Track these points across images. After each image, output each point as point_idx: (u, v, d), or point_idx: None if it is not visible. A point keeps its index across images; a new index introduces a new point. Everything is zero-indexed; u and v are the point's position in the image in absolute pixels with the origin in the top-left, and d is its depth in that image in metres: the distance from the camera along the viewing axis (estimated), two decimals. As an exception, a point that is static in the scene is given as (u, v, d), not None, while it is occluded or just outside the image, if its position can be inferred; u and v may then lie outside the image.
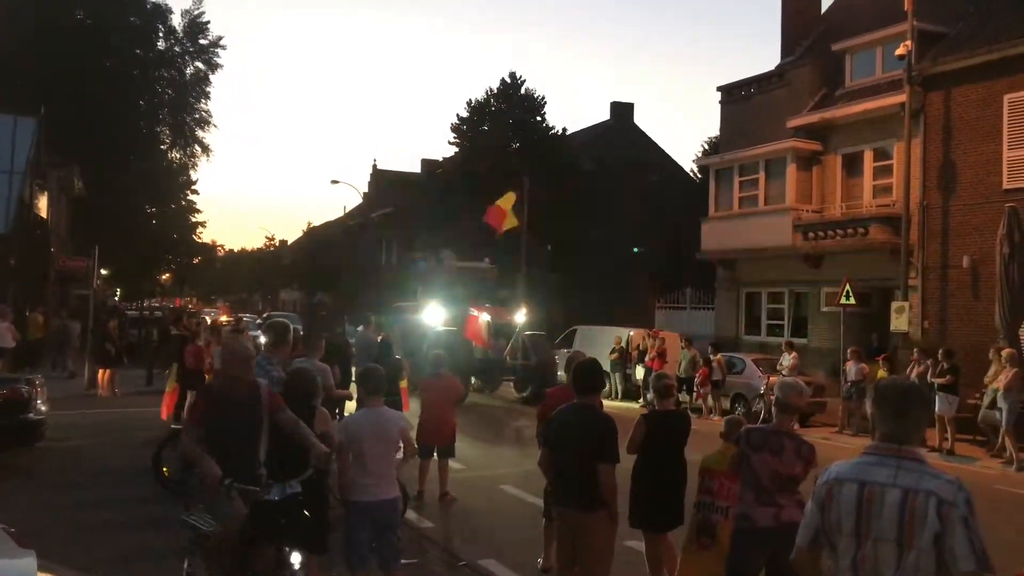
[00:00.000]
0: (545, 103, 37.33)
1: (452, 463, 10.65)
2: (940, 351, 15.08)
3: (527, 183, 27.30)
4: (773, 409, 5.33)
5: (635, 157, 37.97)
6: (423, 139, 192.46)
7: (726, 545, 5.34)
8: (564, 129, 38.40)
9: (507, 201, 21.36)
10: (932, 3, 20.80)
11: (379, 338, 15.57)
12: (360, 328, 18.43)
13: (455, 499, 9.68)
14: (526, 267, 27.70)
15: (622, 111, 42.83)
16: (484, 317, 20.92)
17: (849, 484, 2.92)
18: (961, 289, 18.26)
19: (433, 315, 21.43)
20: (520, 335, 21.46)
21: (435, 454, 9.85)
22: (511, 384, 22.58)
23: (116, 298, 56.46)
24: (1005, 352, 13.93)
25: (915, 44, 18.22)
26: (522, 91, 37.19)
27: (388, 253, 55.62)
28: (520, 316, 22.23)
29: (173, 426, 11.69)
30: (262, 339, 9.67)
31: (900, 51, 18.17)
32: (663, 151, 43.31)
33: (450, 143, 38.56)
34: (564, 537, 5.37)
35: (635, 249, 33.73)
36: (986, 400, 14.11)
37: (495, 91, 37.41)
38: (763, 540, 4.95)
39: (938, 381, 14.45)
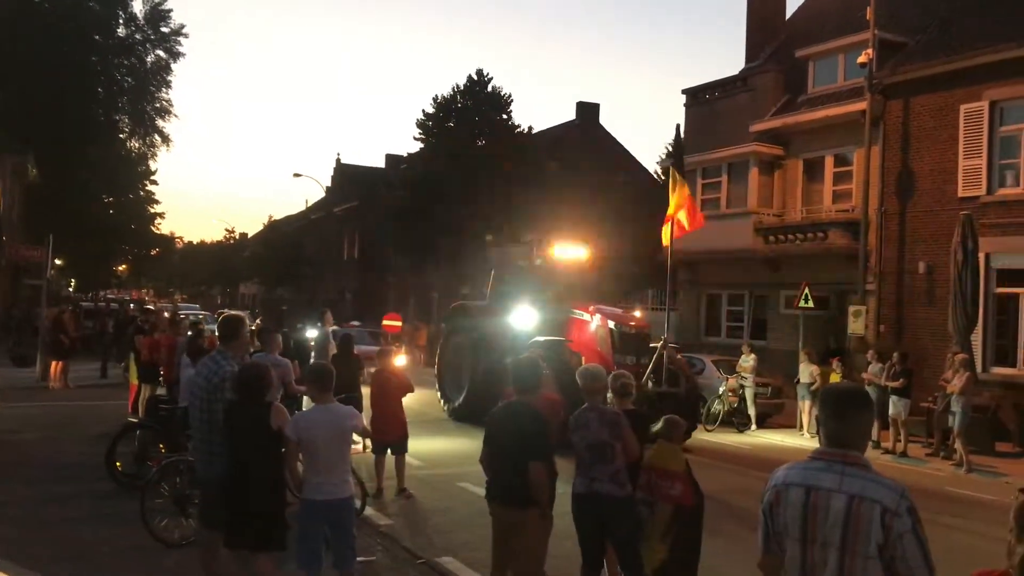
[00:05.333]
0: (512, 101, 37.28)
1: (411, 460, 10.60)
2: (894, 354, 15.37)
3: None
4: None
5: (600, 157, 38.12)
6: (388, 134, 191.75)
7: (651, 536, 5.58)
8: (530, 128, 38.43)
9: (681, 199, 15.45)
10: (894, 13, 21.19)
11: (342, 334, 15.32)
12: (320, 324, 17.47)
13: (412, 495, 9.65)
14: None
15: (588, 111, 42.98)
16: (596, 322, 14.97)
17: (796, 489, 2.91)
18: (917, 294, 18.62)
19: (521, 319, 15.70)
20: (664, 349, 14.65)
21: (388, 450, 9.81)
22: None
23: (71, 289, 55.41)
24: (958, 357, 14.22)
25: (876, 53, 18.53)
26: (489, 89, 37.09)
27: (351, 247, 55.28)
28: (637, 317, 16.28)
29: (129, 419, 11.53)
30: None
31: (861, 59, 18.47)
32: (628, 152, 43.58)
33: (415, 139, 38.37)
34: (498, 535, 5.40)
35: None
36: (941, 404, 14.42)
37: (462, 88, 37.27)
38: (580, 506, 5.59)
39: (891, 384, 14.73)
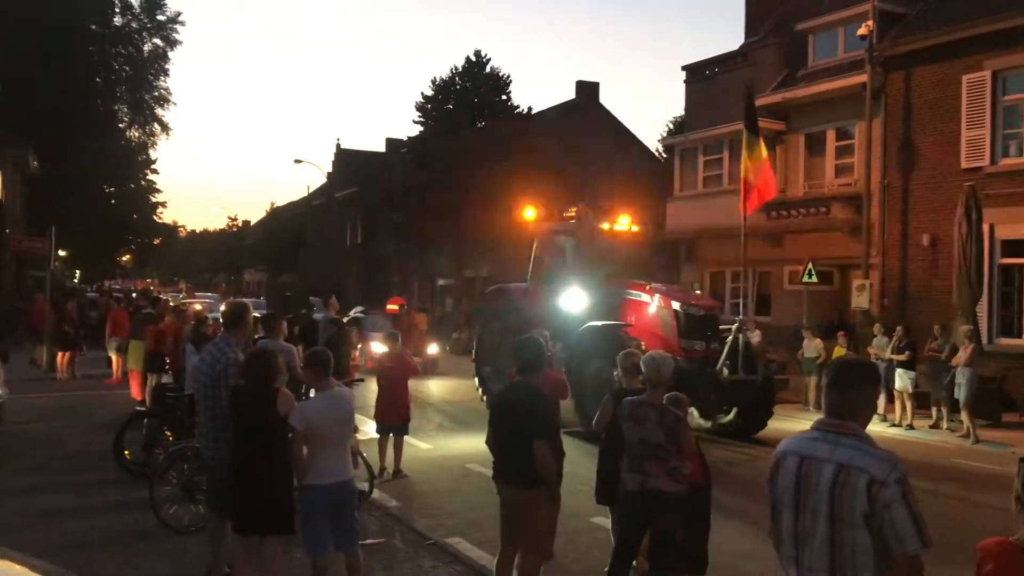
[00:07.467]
0: (510, 82, 37.23)
1: (419, 442, 10.65)
2: (898, 328, 15.34)
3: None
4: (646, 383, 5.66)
5: (601, 136, 37.91)
6: (388, 118, 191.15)
7: None
8: (530, 108, 38.31)
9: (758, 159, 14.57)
10: (894, -16, 20.99)
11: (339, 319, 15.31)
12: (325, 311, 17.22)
13: (407, 476, 9.75)
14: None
15: (588, 90, 42.70)
16: (657, 303, 13.43)
17: (791, 457, 2.98)
18: (920, 267, 18.56)
19: (569, 301, 14.14)
20: (741, 333, 13.02)
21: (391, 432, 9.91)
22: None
23: (75, 280, 55.54)
24: (963, 329, 14.19)
25: (876, 25, 18.37)
26: (487, 69, 36.99)
27: (353, 232, 55.20)
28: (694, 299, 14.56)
29: (137, 408, 11.58)
30: None
31: (862, 31, 18.33)
32: (629, 130, 43.33)
33: (415, 122, 38.32)
34: (506, 516, 5.40)
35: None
36: (938, 376, 14.43)
37: (460, 69, 37.15)
38: (632, 504, 5.43)
39: (897, 357, 14.71)
